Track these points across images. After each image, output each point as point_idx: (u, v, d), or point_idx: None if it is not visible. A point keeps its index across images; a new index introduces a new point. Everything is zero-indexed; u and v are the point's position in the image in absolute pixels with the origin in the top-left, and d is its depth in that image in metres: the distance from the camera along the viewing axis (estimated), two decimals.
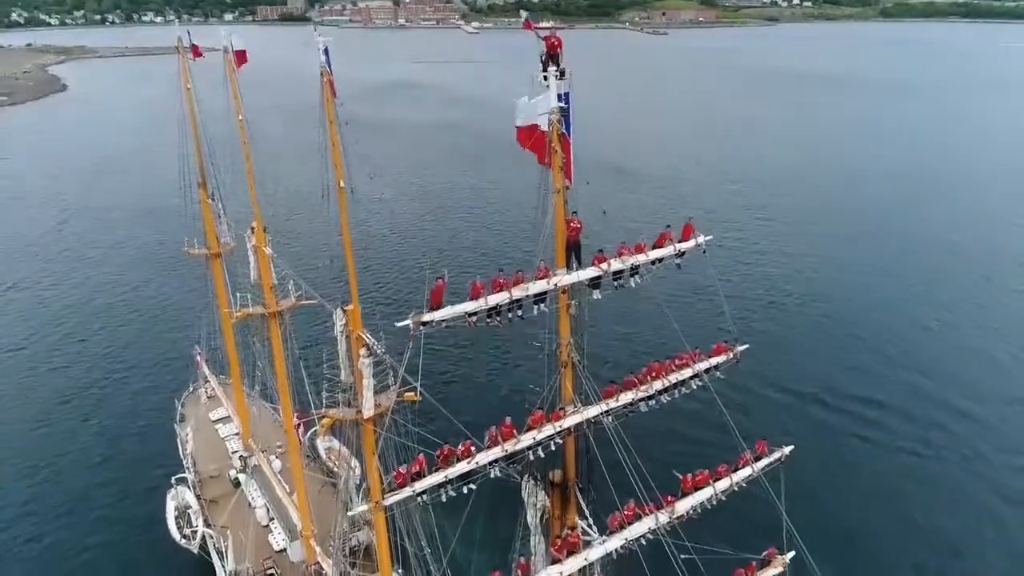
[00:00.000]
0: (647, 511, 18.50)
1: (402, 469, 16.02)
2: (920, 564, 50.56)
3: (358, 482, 46.08)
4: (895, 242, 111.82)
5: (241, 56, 38.28)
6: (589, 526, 18.31)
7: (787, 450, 21.27)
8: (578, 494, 18.30)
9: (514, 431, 16.35)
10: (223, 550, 45.66)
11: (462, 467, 15.80)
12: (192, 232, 50.59)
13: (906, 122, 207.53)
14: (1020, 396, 70.09)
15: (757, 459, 20.50)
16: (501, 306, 15.29)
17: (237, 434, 56.72)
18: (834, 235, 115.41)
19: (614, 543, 17.91)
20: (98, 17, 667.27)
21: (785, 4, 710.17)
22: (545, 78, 14.67)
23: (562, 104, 14.80)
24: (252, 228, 38.74)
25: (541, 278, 15.52)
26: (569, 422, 16.76)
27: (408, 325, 14.69)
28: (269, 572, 45.04)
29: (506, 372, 17.05)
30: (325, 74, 25.81)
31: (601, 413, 17.22)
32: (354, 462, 47.71)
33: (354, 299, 28.88)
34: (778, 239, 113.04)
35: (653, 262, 17.18)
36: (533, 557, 18.32)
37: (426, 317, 14.79)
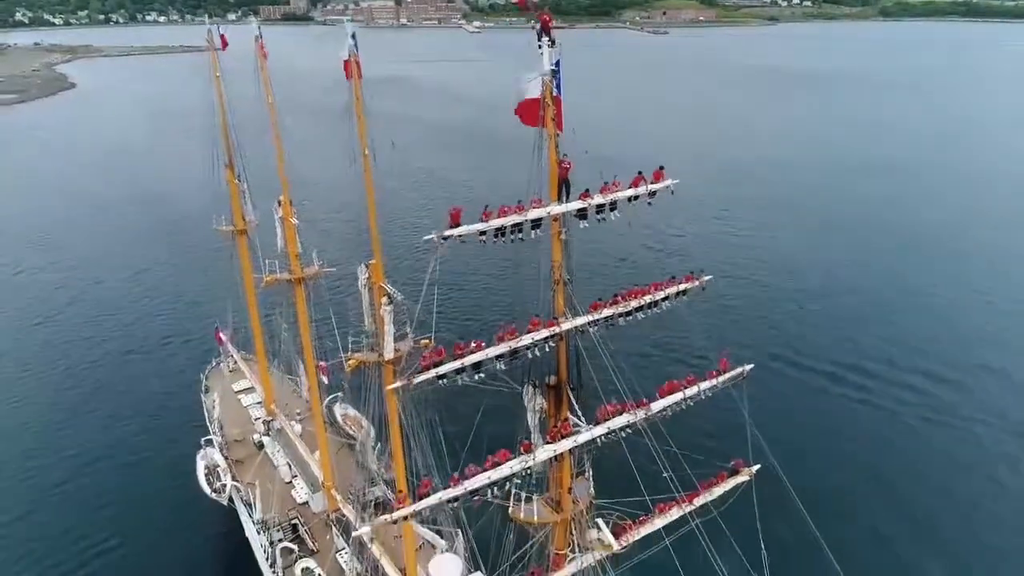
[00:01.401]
0: (627, 408, 22.50)
1: (426, 353, 19.89)
2: (873, 478, 58.44)
3: (373, 444, 50.53)
4: (883, 225, 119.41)
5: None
6: (579, 419, 22.26)
7: (747, 368, 25.26)
8: (569, 394, 22.24)
9: (516, 332, 20.34)
10: (251, 501, 49.69)
11: (475, 357, 19.74)
12: (219, 211, 54.75)
13: (892, 117, 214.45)
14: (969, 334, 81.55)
15: (720, 374, 24.52)
16: (506, 228, 19.25)
17: (259, 403, 60.72)
18: (811, 209, 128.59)
19: (599, 431, 21.88)
20: (102, 17, 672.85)
21: (785, 4, 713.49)
22: (540, 47, 18.67)
23: (553, 68, 18.83)
24: (279, 201, 42.74)
25: (537, 208, 19.52)
26: (560, 328, 20.77)
27: (433, 239, 18.61)
28: (293, 522, 49.05)
29: (509, 291, 20.02)
30: (352, 55, 29.90)
31: (587, 323, 21.17)
32: (367, 425, 52.23)
33: (376, 254, 32.99)
34: (755, 207, 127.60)
35: (629, 199, 21.11)
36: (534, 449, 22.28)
37: (447, 233, 18.66)
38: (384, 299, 32.52)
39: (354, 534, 24.06)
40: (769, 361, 72.72)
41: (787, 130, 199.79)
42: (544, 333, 20.41)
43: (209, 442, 56.00)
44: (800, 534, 38.78)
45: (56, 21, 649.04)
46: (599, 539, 24.03)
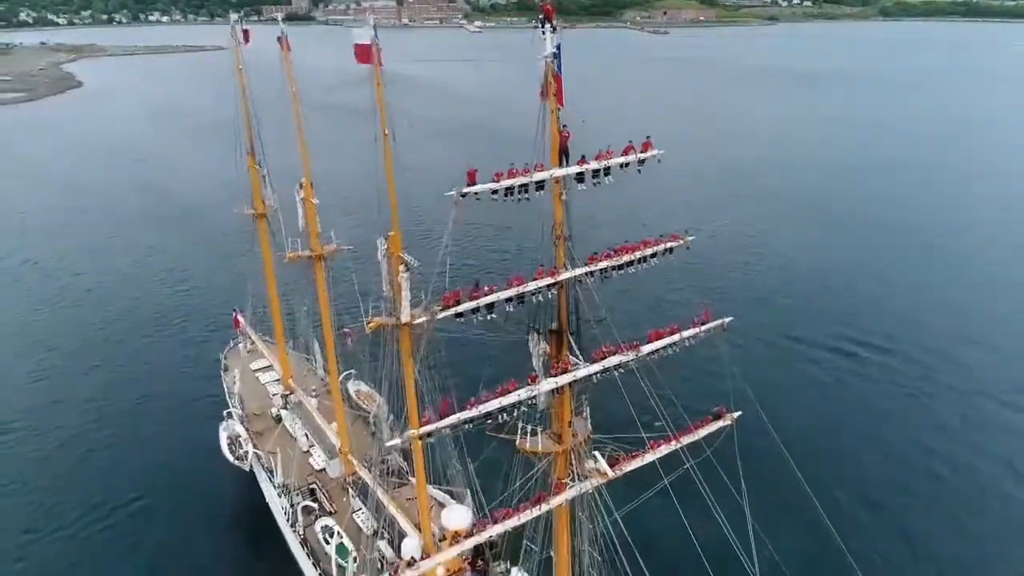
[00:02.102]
0: (620, 350, 25.74)
1: (447, 295, 23.08)
2: (852, 430, 65.04)
3: (386, 416, 53.86)
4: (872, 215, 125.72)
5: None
6: (577, 359, 25.50)
7: (727, 320, 28.47)
8: (569, 338, 25.49)
9: (523, 280, 23.57)
10: (272, 467, 53.04)
11: (489, 298, 22.97)
12: (238, 200, 58.09)
13: (885, 113, 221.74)
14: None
15: (703, 324, 27.78)
16: (514, 187, 22.47)
17: (276, 380, 64.12)
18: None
19: (595, 368, 25.10)
20: (105, 16, 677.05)
21: (785, 3, 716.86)
22: (543, 33, 21.92)
23: (554, 51, 22.09)
24: (300, 184, 46.03)
25: (541, 171, 22.77)
26: (561, 277, 24.04)
27: (453, 195, 21.81)
28: (311, 486, 52.38)
29: (516, 248, 22.40)
30: (375, 45, 33.22)
31: (584, 273, 24.43)
32: (381, 400, 55.56)
33: (395, 226, 36.28)
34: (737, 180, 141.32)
35: (621, 166, 24.38)
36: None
37: (465, 190, 21.90)
38: (401, 267, 35.82)
39: (387, 443, 26.92)
40: (754, 319, 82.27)
41: (780, 124, 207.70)
42: (547, 281, 23.66)
43: (230, 415, 59.35)
44: (780, 474, 45.20)
45: (60, 21, 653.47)
46: (596, 468, 27.23)
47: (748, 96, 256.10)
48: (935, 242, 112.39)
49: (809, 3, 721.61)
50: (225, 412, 59.30)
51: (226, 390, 63.69)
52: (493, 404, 23.80)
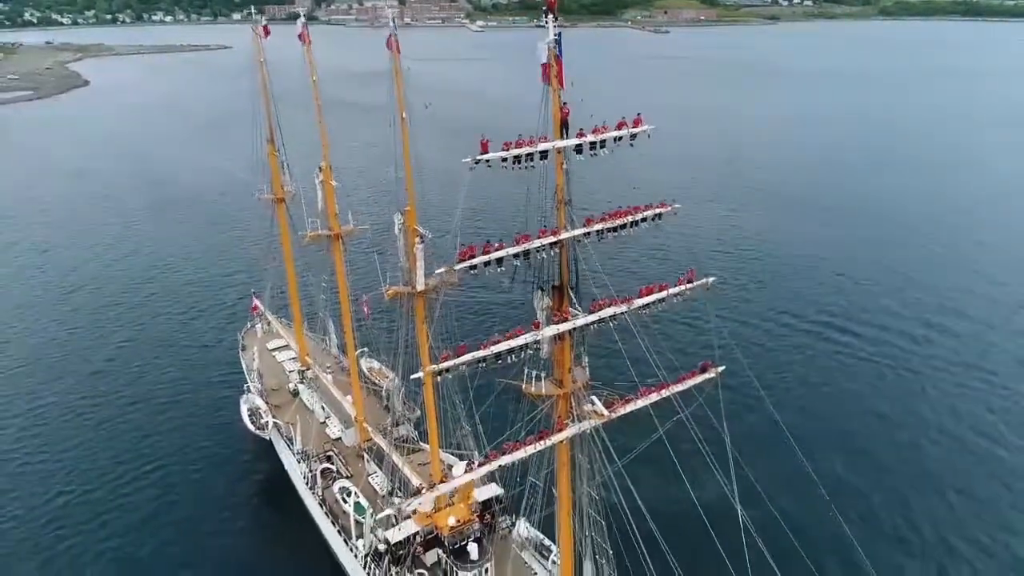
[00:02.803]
0: (614, 303, 29.14)
1: (463, 250, 26.40)
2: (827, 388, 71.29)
3: (398, 389, 57.38)
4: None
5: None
6: (576, 310, 28.87)
7: (710, 280, 31.82)
8: (569, 292, 28.87)
9: (529, 238, 26.95)
10: (291, 436, 56.56)
11: (499, 253, 26.28)
12: (258, 187, 61.64)
13: (872, 106, 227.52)
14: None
15: (689, 282, 31.15)
16: (521, 156, 25.83)
17: (293, 358, 67.64)
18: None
19: (592, 318, 28.43)
20: (109, 16, 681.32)
21: (786, 3, 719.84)
22: (546, 22, 25.32)
23: (556, 38, 25.48)
24: (320, 167, 49.46)
25: (544, 143, 26.13)
26: (562, 236, 27.44)
27: (468, 162, 25.15)
28: (328, 454, 55.83)
29: (521, 210, 24.94)
30: (393, 35, 36.69)
31: (582, 234, 27.81)
32: (393, 375, 59.09)
33: (411, 201, 39.81)
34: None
35: (615, 139, 27.75)
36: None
37: (479, 157, 25.24)
38: (417, 239, 39.33)
39: (413, 376, 29.58)
40: (739, 284, 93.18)
41: (772, 118, 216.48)
42: (549, 239, 27.05)
43: (249, 390, 62.87)
44: (763, 423, 54.35)
45: (64, 21, 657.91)
46: (594, 410, 30.55)
47: (743, 91, 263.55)
48: (913, 224, 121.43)
49: (809, 2, 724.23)
50: (244, 387, 62.85)
51: (245, 367, 67.21)
52: (503, 346, 27.21)
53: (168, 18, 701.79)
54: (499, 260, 26.67)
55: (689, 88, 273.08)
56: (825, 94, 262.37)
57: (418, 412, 56.01)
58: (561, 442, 30.85)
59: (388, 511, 45.67)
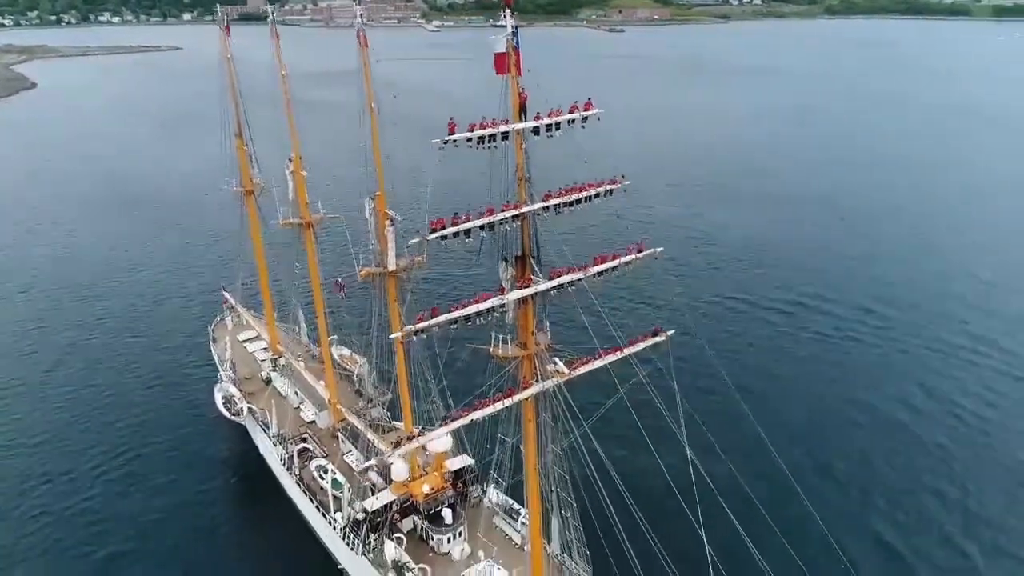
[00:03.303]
0: (572, 271, 32.29)
1: (434, 222, 29.14)
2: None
3: (369, 373, 59.79)
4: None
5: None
6: (538, 277, 31.87)
7: (658, 250, 35.22)
8: (531, 261, 31.88)
9: (493, 211, 29.85)
10: (267, 420, 58.45)
11: (467, 225, 29.15)
12: (224, 182, 63.32)
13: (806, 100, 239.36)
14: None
15: (639, 251, 34.48)
16: (485, 136, 28.72)
17: (264, 348, 69.32)
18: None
19: (552, 284, 31.53)
20: (53, 17, 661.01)
21: (736, 2, 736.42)
22: (504, 16, 28.26)
23: (513, 31, 28.46)
24: (290, 158, 51.54)
25: (506, 125, 29.08)
26: (523, 210, 30.43)
27: (437, 143, 27.89)
28: (303, 436, 57.88)
29: (486, 190, 27.16)
30: (361, 31, 39.23)
31: (541, 207, 30.85)
32: (363, 360, 61.46)
33: (380, 187, 42.38)
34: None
35: (569, 121, 30.81)
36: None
37: (447, 137, 28.00)
38: (387, 222, 41.98)
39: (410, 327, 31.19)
40: (688, 258, 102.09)
41: (718, 108, 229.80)
42: (512, 212, 30.03)
43: (222, 379, 64.41)
44: (714, 384, 59.92)
45: (5, 22, 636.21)
46: (556, 370, 33.57)
47: (692, 86, 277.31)
48: (854, 208, 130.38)
49: (759, 2, 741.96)
50: (218, 376, 64.42)
51: (216, 358, 68.65)
52: (472, 308, 30.09)
53: (115, 19, 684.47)
54: (467, 232, 29.54)
55: (642, 84, 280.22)
56: (770, 90, 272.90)
57: (389, 395, 58.48)
58: (527, 399, 33.83)
59: (371, 462, 47.79)
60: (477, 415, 32.12)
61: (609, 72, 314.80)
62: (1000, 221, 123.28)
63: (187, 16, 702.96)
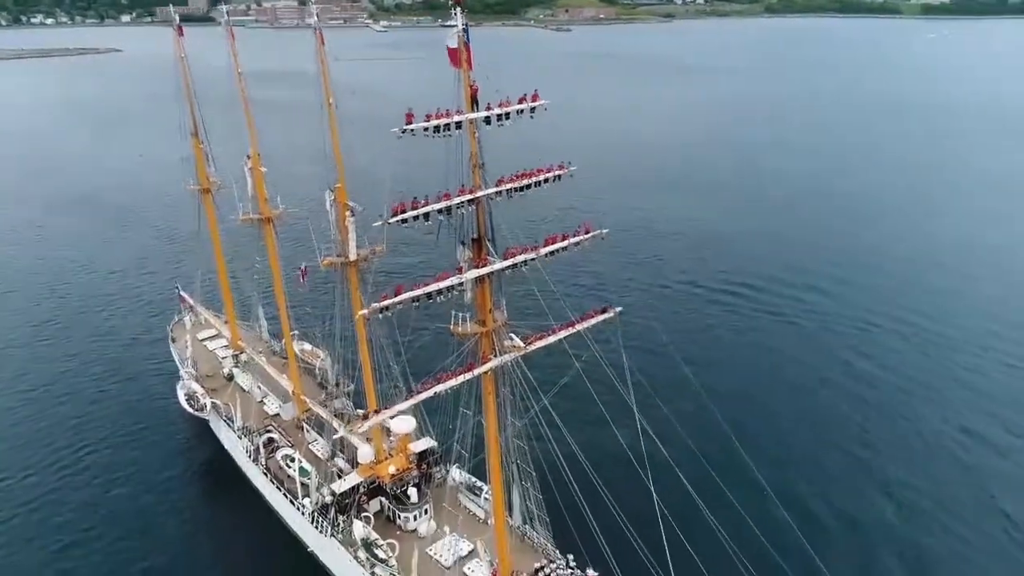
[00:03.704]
0: (525, 251, 34.68)
1: (395, 206, 31.12)
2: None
3: (331, 365, 61.09)
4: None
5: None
6: (493, 257, 34.16)
7: (604, 231, 37.90)
8: (487, 243, 34.15)
9: (450, 196, 32.04)
10: (231, 414, 59.29)
11: (425, 209, 31.23)
12: (180, 183, 63.96)
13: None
14: None
15: (586, 232, 37.11)
16: (440, 126, 30.87)
17: (225, 345, 69.86)
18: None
19: (506, 263, 33.89)
20: None
21: (680, 2, 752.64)
22: (454, 14, 30.45)
23: (464, 28, 30.70)
24: (248, 155, 52.64)
25: (459, 116, 31.30)
26: (478, 195, 32.69)
27: (396, 132, 29.88)
28: (268, 428, 58.88)
29: (439, 172, 28.82)
30: (318, 29, 40.88)
31: (494, 192, 33.19)
32: (325, 354, 62.77)
33: (341, 179, 44.04)
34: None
35: (518, 112, 33.20)
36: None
37: (405, 127, 30.04)
38: (348, 213, 43.71)
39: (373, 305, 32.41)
40: (631, 240, 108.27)
41: (658, 101, 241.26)
42: (467, 197, 32.26)
43: (184, 377, 64.86)
44: (656, 356, 64.06)
45: None
46: (513, 345, 35.90)
47: (635, 82, 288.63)
48: (789, 195, 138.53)
49: (702, 1, 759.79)
50: (180, 372, 64.89)
51: (177, 358, 68.94)
52: (433, 287, 32.24)
53: (49, 20, 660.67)
54: (426, 216, 31.66)
55: (589, 80, 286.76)
56: (710, 85, 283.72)
57: (352, 386, 59.96)
58: (487, 373, 36.09)
59: (341, 432, 49.37)
60: (440, 388, 34.23)
61: (558, 69, 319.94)
62: (927, 201, 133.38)
63: (125, 17, 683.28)
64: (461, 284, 33.06)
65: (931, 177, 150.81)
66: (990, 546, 50.95)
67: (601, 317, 39.47)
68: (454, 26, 31.03)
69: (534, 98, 33.98)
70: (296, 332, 66.93)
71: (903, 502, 55.27)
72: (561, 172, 35.85)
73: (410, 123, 30.43)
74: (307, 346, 67.28)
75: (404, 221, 31.25)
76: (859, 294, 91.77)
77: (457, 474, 50.65)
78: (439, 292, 32.64)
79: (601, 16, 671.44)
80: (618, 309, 40.21)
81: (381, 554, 44.25)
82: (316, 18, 41.35)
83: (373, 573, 43.75)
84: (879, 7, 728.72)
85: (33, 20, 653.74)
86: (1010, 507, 54.00)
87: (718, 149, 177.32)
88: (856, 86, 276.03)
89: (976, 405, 67.15)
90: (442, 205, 31.83)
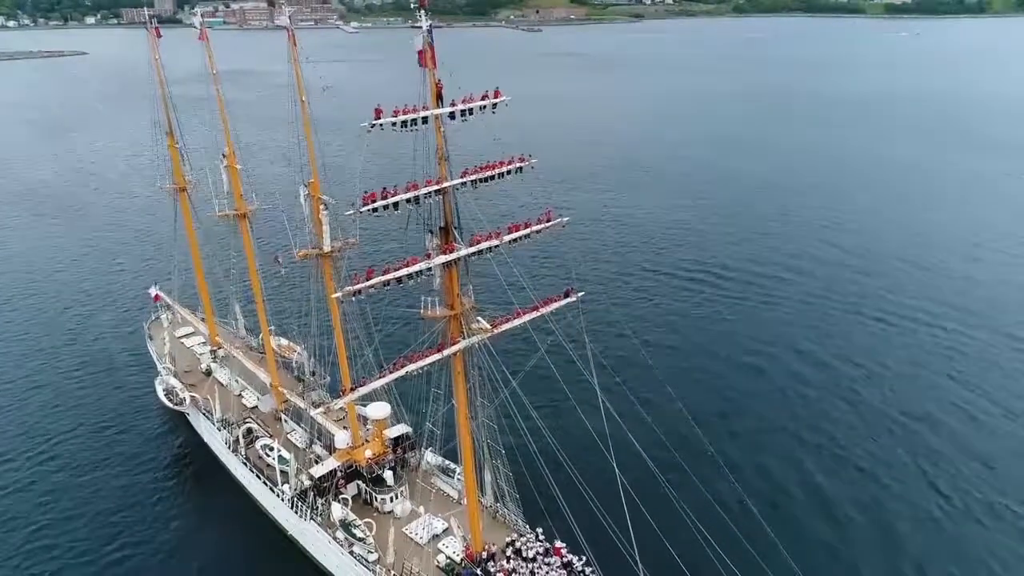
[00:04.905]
0: (490, 238, 36.97)
1: (365, 196, 33.17)
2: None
3: (308, 358, 62.73)
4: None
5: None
6: (459, 244, 36.39)
7: (565, 219, 40.33)
8: (453, 231, 36.36)
9: (417, 186, 34.19)
10: (210, 408, 60.64)
11: (395, 198, 33.36)
12: (156, 180, 65.19)
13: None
14: None
15: (547, 221, 39.49)
16: (407, 120, 33.03)
17: (202, 343, 71.08)
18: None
19: (472, 249, 36.17)
20: None
21: (649, 2, 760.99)
22: (420, 17, 32.63)
23: (428, 29, 32.90)
24: (224, 154, 54.22)
25: (425, 111, 33.49)
26: (444, 185, 34.92)
27: (366, 126, 31.94)
28: (247, 420, 60.36)
29: (408, 165, 30.52)
30: (290, 30, 42.78)
31: (460, 183, 35.45)
32: (301, 349, 64.33)
33: (314, 173, 45.91)
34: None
35: (480, 107, 35.47)
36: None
37: (374, 122, 32.11)
38: (322, 206, 45.61)
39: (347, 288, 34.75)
40: (595, 227, 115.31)
41: (624, 99, 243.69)
42: (434, 187, 34.48)
43: (162, 373, 66.04)
44: (617, 338, 66.58)
45: None
46: (480, 327, 38.14)
47: (601, 79, 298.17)
48: (753, 188, 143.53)
49: (671, 1, 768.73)
50: (158, 368, 66.07)
51: (154, 355, 70.06)
52: (403, 271, 34.39)
53: (11, 23, 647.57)
54: (396, 205, 33.82)
55: (557, 78, 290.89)
56: (674, 82, 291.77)
57: (328, 378, 61.70)
58: (456, 354, 38.31)
59: (319, 410, 51.21)
60: (412, 367, 36.38)
61: (528, 68, 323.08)
62: (884, 192, 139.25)
63: (90, 20, 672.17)
64: (430, 269, 35.22)
65: (908, 174, 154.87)
66: (928, 512, 54.39)
67: (564, 301, 41.89)
68: (420, 27, 33.24)
69: (496, 94, 36.29)
70: (273, 327, 68.65)
71: (855, 476, 58.52)
72: (522, 164, 38.23)
73: (379, 118, 32.54)
74: (284, 341, 68.75)
75: (375, 210, 33.35)
76: (814, 281, 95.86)
77: (431, 457, 52.78)
78: (409, 276, 34.78)
79: (571, 16, 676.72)
80: (580, 294, 42.69)
81: (359, 533, 46.19)
82: (288, 19, 43.15)
83: (352, 552, 45.67)
84: (843, 7, 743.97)
85: None
86: (946, 480, 57.48)
87: (680, 143, 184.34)
88: (817, 85, 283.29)
89: (925, 383, 71.11)
90: (410, 195, 34.02)
